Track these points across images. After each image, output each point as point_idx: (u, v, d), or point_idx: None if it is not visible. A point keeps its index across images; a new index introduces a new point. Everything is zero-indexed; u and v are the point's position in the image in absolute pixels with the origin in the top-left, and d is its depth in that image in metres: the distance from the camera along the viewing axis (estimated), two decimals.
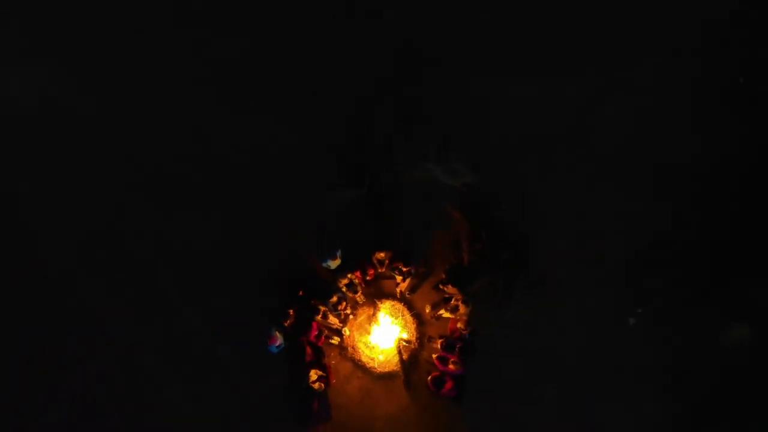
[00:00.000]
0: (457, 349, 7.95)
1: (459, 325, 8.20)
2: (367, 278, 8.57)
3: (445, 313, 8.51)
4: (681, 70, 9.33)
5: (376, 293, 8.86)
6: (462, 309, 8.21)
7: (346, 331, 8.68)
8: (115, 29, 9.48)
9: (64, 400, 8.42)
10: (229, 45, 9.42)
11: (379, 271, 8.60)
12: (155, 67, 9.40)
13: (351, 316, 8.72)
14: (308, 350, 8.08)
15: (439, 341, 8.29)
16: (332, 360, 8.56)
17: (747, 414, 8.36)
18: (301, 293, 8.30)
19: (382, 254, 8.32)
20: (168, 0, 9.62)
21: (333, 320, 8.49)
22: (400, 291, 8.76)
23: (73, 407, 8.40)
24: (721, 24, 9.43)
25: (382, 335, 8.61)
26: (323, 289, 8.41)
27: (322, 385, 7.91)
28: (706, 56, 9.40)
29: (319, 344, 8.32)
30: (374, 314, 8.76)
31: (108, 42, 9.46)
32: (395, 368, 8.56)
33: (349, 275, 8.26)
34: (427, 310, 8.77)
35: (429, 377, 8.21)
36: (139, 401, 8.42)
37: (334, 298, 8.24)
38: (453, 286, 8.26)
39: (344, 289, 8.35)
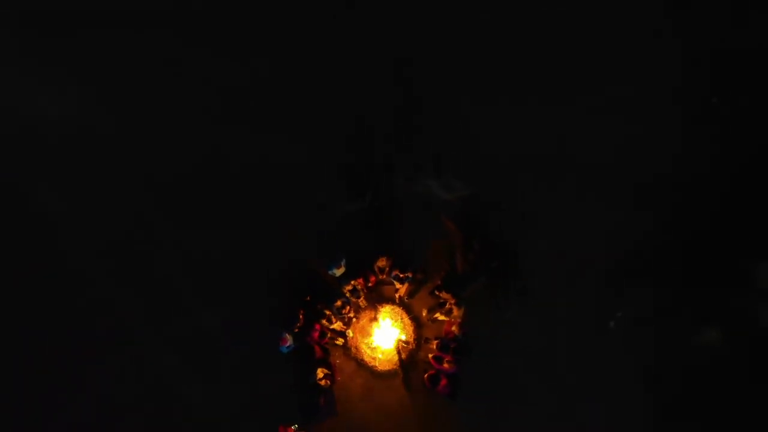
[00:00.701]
0: (451, 349, 8.12)
1: (453, 327, 8.39)
2: (369, 284, 8.81)
3: (440, 316, 8.73)
4: (660, 91, 9.62)
5: (377, 298, 9.08)
6: (456, 312, 8.40)
7: (350, 332, 8.91)
8: (136, 53, 9.83)
9: (85, 398, 8.70)
10: (243, 70, 9.80)
11: (380, 277, 8.81)
12: (172, 87, 9.73)
13: (354, 319, 8.95)
14: (317, 350, 8.37)
15: (435, 342, 8.47)
16: (337, 359, 8.82)
17: (718, 412, 8.64)
18: (308, 298, 8.58)
19: (383, 262, 8.52)
20: (184, 24, 9.97)
21: (338, 323, 8.70)
22: (399, 296, 8.97)
23: (94, 405, 8.67)
24: (697, 49, 9.74)
25: (383, 336, 8.85)
26: (329, 294, 8.60)
27: (328, 382, 8.19)
28: (682, 78, 9.69)
29: (323, 344, 8.54)
30: (375, 317, 8.98)
31: (131, 65, 9.79)
32: (395, 367, 8.79)
33: (352, 282, 8.46)
34: (424, 314, 8.98)
35: (425, 375, 8.34)
36: (157, 400, 8.70)
37: (339, 303, 8.42)
38: (447, 291, 8.42)
39: (348, 295, 8.60)
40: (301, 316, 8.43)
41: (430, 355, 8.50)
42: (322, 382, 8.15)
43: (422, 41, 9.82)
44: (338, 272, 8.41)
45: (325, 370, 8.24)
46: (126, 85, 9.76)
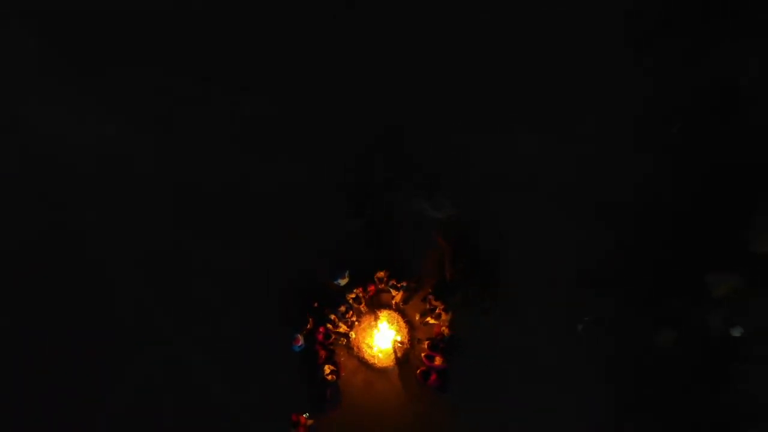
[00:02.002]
0: (440, 349, 9.02)
1: (443, 329, 9.24)
2: (369, 292, 9.61)
3: (431, 320, 9.53)
4: (623, 123, 10.45)
5: (377, 304, 9.83)
6: (445, 316, 9.30)
7: (352, 334, 9.68)
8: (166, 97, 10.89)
9: (126, 384, 9.63)
10: (260, 106, 10.75)
11: (379, 286, 9.60)
12: (199, 123, 10.72)
13: (356, 323, 9.71)
14: (321, 351, 9.17)
15: (426, 342, 9.28)
16: (341, 357, 9.61)
17: (670, 404, 9.50)
18: (316, 304, 9.39)
19: (381, 273, 9.38)
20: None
21: (342, 326, 9.53)
22: (396, 302, 9.73)
23: (135, 391, 9.62)
24: (658, 85, 10.62)
25: (381, 338, 9.60)
26: (334, 301, 9.39)
27: (334, 377, 9.07)
28: (644, 110, 10.51)
29: (326, 344, 9.29)
30: (375, 321, 9.71)
31: (164, 105, 10.81)
32: (392, 364, 9.54)
33: (355, 290, 9.35)
34: (417, 318, 9.73)
35: (418, 371, 9.19)
36: (185, 392, 9.57)
37: (343, 308, 9.29)
38: (438, 298, 9.31)
39: (351, 301, 9.43)
40: (310, 320, 9.31)
41: (423, 354, 9.31)
42: (329, 377, 9.07)
43: (417, 77, 10.72)
44: (343, 282, 9.31)
45: (331, 367, 9.14)
46: (159, 117, 10.79)
